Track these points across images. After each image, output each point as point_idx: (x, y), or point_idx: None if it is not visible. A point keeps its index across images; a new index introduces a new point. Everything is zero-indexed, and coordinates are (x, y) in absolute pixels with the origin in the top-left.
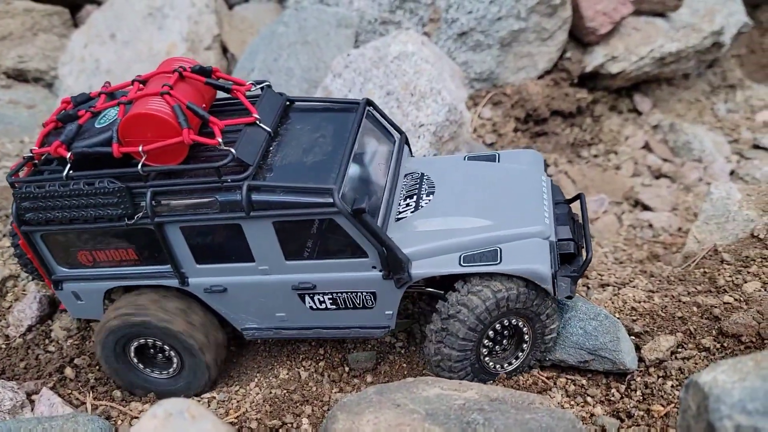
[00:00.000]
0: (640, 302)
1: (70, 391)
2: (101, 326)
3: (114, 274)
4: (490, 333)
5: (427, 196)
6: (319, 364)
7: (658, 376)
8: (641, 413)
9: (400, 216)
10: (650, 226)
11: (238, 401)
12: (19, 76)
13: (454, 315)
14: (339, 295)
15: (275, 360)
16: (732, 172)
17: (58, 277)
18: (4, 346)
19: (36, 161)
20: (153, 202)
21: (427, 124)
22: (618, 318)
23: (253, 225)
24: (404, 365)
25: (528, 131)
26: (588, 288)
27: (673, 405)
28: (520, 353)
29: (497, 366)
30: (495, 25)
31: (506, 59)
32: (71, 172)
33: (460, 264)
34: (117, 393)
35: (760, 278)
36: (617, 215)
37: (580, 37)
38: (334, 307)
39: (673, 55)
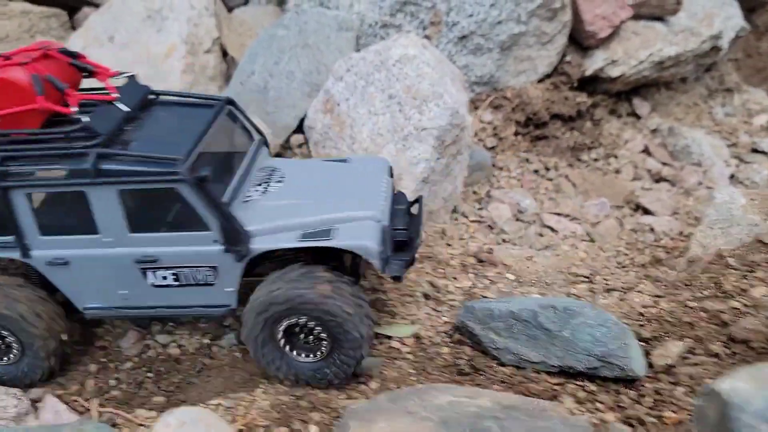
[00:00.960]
0: (647, 307)
1: (74, 398)
2: None
3: None
4: (281, 327)
5: (276, 183)
6: None
7: (669, 382)
8: (653, 420)
9: (247, 199)
10: (651, 230)
11: (245, 408)
12: None
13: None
14: (181, 270)
15: None
16: (732, 176)
17: None
18: None
19: None
20: (1, 166)
21: (430, 128)
22: (626, 323)
23: (98, 193)
24: (411, 371)
25: (528, 135)
26: (593, 293)
27: (685, 412)
28: (319, 352)
29: (297, 354)
30: (495, 28)
31: (506, 63)
32: None
33: (297, 240)
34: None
35: (766, 283)
36: (618, 219)
37: (580, 40)
38: (177, 283)
39: (672, 59)
